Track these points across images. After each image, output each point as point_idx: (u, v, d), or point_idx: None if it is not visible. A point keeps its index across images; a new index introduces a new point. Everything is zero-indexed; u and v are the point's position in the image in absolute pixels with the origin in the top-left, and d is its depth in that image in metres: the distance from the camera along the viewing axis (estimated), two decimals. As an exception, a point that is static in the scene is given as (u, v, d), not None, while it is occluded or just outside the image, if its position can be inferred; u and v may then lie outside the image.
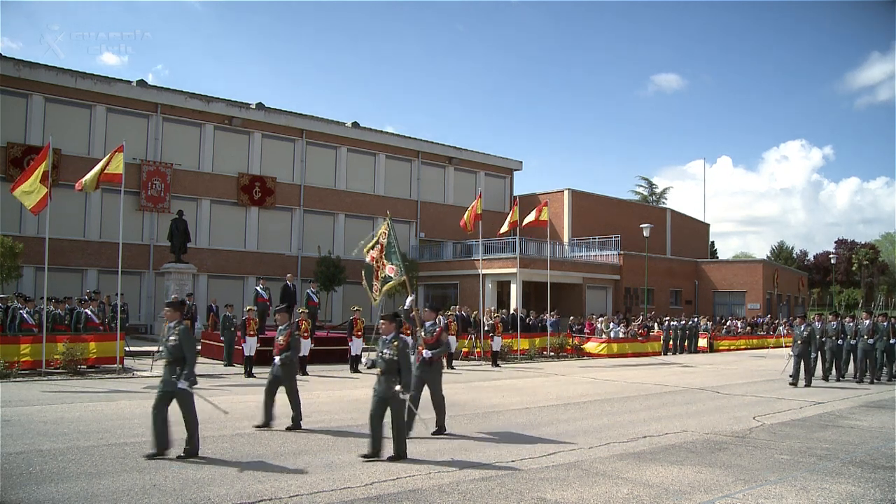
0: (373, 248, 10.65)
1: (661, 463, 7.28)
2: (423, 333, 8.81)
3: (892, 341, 16.57)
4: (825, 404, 12.56)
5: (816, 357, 16.63)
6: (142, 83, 29.79)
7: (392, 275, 10.43)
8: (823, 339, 16.66)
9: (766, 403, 12.38)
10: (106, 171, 14.92)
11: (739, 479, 6.70)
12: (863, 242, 74.38)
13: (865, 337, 16.24)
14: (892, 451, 8.32)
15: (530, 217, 22.84)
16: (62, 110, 26.82)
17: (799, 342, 15.39)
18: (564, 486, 6.25)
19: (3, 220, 24.26)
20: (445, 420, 8.75)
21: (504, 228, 22.56)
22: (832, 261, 55.52)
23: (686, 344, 27.31)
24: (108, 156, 15.38)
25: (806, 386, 15.00)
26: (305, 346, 15.93)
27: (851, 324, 17.10)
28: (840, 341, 16.66)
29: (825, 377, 16.68)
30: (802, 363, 15.28)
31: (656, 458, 7.50)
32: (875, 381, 16.31)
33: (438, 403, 8.64)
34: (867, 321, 16.60)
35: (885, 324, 16.73)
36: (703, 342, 28.21)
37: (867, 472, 7.11)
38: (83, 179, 15.15)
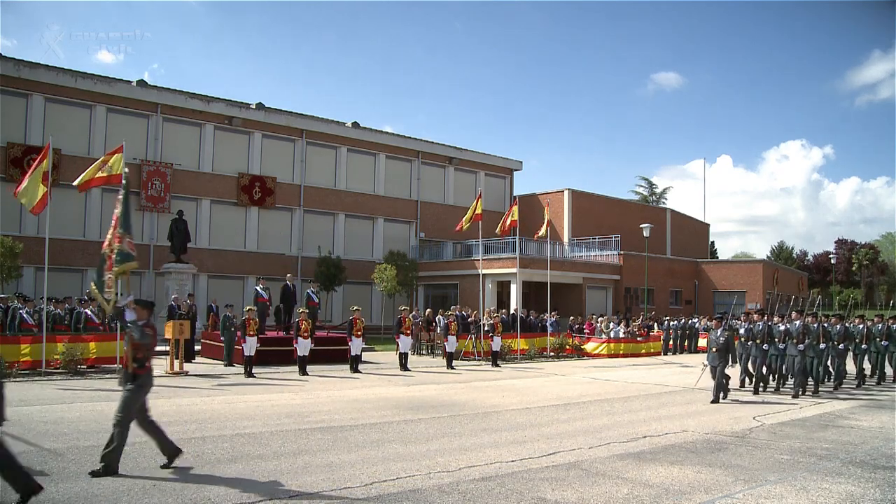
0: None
1: (661, 463, 7.28)
2: (134, 335, 6.67)
3: (821, 346, 14.27)
4: (825, 404, 12.57)
5: (739, 366, 14.54)
6: (142, 83, 29.79)
7: (131, 251, 7.43)
8: (749, 344, 14.23)
9: (766, 404, 12.37)
10: (105, 172, 14.87)
11: (739, 479, 6.70)
12: (863, 242, 74.45)
13: (794, 341, 13.60)
14: (892, 451, 8.32)
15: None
16: (62, 110, 26.82)
17: (714, 349, 12.49)
18: (564, 486, 6.24)
19: (3, 220, 24.26)
20: (119, 460, 6.25)
21: (503, 226, 22.46)
22: (832, 261, 55.54)
23: (686, 344, 27.31)
24: (104, 156, 15.29)
25: (713, 402, 12.18)
26: (305, 346, 15.95)
27: (781, 325, 14.18)
28: (766, 346, 13.84)
29: (763, 389, 14.08)
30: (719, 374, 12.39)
31: (656, 458, 7.50)
32: (799, 394, 13.48)
33: (117, 427, 6.22)
34: (798, 322, 13.85)
35: (814, 325, 14.33)
36: (703, 342, 28.19)
37: (867, 472, 7.11)
38: (78, 179, 15.01)
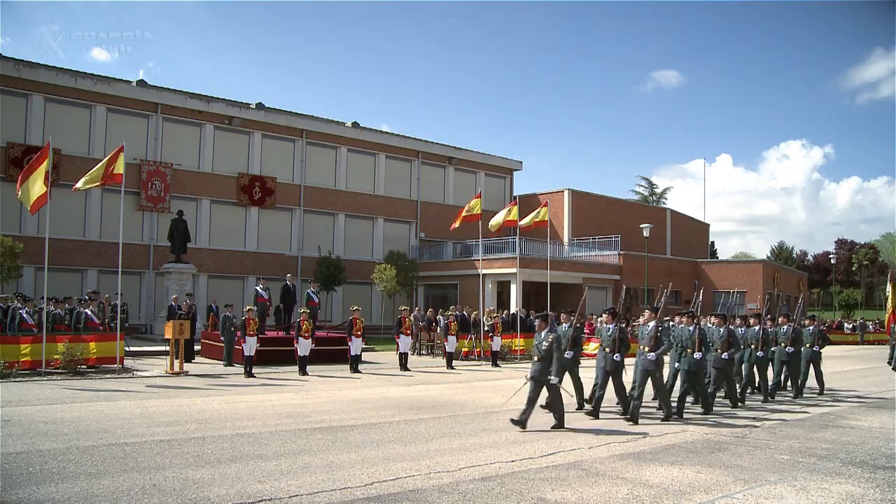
0: None
1: (661, 463, 7.28)
2: None
3: (696, 355, 10.74)
4: (825, 404, 12.56)
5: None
6: (142, 83, 29.80)
7: None
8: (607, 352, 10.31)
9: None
10: (107, 171, 14.93)
11: (739, 479, 6.70)
12: (863, 242, 74.54)
13: (646, 349, 10.26)
14: (892, 451, 8.32)
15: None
16: (62, 110, 26.82)
17: (536, 358, 9.23)
18: (564, 486, 6.24)
19: (3, 220, 24.26)
20: None
21: (494, 221, 21.80)
22: (832, 261, 55.60)
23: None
24: (107, 157, 15.36)
25: (554, 426, 9.10)
26: (306, 346, 15.95)
27: (644, 325, 10.63)
28: (617, 356, 10.22)
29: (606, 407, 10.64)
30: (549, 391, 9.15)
31: (656, 458, 7.50)
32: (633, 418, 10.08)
33: None
34: (652, 323, 10.35)
35: (690, 329, 10.99)
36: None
37: (867, 472, 7.11)
38: (80, 182, 15.19)
